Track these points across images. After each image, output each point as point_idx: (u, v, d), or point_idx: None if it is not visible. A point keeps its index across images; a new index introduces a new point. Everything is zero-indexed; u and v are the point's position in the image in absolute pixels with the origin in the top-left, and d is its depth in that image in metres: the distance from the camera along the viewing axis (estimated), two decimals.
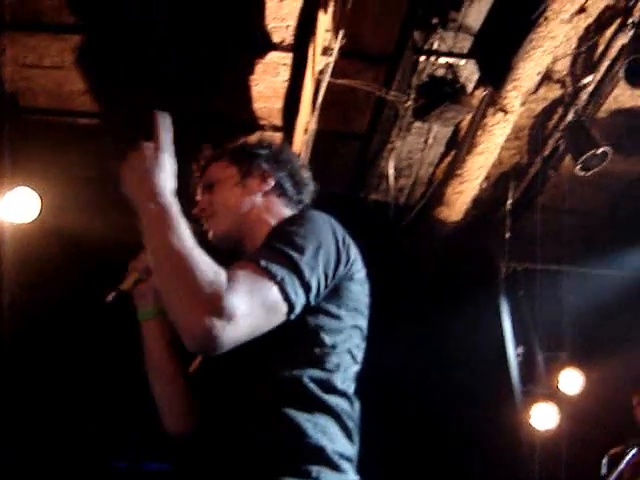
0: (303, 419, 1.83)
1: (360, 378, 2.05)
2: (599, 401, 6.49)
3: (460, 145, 5.44)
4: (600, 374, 6.42)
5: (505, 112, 4.71)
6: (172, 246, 1.71)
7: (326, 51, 4.58)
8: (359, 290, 2.01)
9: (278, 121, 5.55)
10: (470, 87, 4.73)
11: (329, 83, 4.71)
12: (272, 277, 1.75)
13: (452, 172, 5.49)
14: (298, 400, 1.85)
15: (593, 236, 6.92)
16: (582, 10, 4.36)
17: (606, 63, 4.88)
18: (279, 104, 5.38)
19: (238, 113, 5.48)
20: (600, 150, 4.91)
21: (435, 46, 4.43)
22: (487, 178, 5.68)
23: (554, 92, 5.29)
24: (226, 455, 1.88)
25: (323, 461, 1.82)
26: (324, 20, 4.37)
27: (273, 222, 2.15)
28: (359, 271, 2.01)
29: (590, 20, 4.63)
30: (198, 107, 5.33)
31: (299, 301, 1.79)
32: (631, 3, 4.35)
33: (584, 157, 4.95)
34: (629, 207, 6.68)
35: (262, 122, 5.56)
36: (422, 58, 4.49)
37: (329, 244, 1.90)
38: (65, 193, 5.94)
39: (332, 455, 1.83)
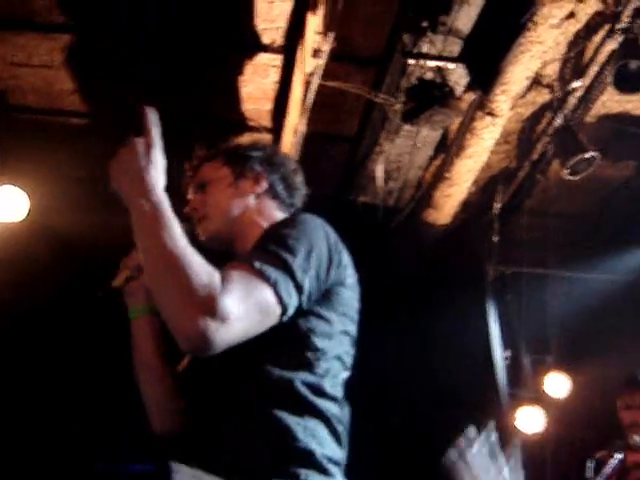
0: (293, 422, 1.83)
1: (347, 380, 2.05)
2: (585, 404, 6.51)
3: (449, 149, 5.45)
4: (586, 377, 6.43)
5: (494, 116, 4.73)
6: (164, 245, 1.70)
7: (316, 53, 4.58)
8: (350, 295, 2.01)
9: (267, 123, 5.55)
10: (459, 91, 4.73)
11: (319, 85, 4.72)
12: (266, 279, 1.75)
13: (441, 175, 5.50)
14: (289, 403, 1.85)
15: (580, 240, 6.95)
16: (571, 15, 4.38)
17: (595, 68, 4.90)
18: (268, 106, 5.38)
19: (227, 114, 5.48)
20: (588, 155, 4.93)
21: (424, 49, 4.43)
22: (475, 182, 5.70)
23: (543, 96, 5.31)
24: (215, 456, 1.88)
25: (312, 465, 1.82)
26: (314, 22, 4.37)
27: (265, 224, 2.15)
28: (350, 276, 2.02)
29: (579, 25, 4.64)
30: (187, 108, 5.32)
31: (292, 303, 1.80)
32: (620, 9, 4.37)
33: (572, 161, 4.97)
34: (616, 212, 6.71)
35: (251, 123, 5.56)
36: (411, 61, 4.49)
37: (322, 248, 1.90)
38: (53, 192, 5.92)
39: (321, 459, 1.84)
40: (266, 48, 4.84)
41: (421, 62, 4.46)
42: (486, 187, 6.35)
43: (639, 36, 4.35)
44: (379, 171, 5.65)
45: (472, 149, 5.06)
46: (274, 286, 1.75)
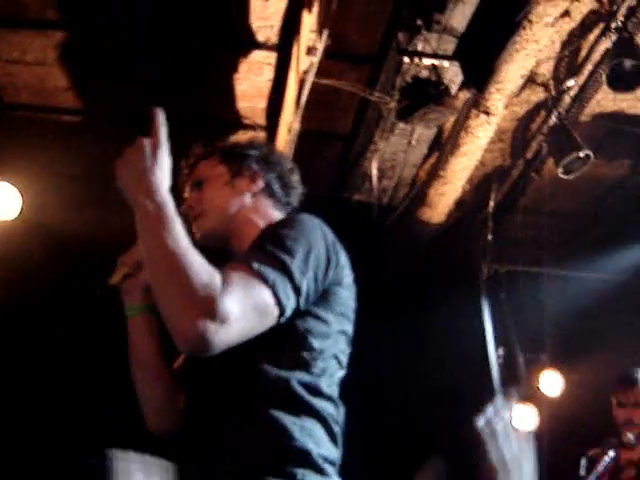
0: (290, 422, 1.84)
1: (342, 379, 2.05)
2: (579, 402, 6.52)
3: (443, 147, 5.45)
4: (580, 376, 6.45)
5: (488, 114, 4.73)
6: (167, 246, 1.71)
7: (310, 51, 4.57)
8: (347, 295, 2.02)
9: (262, 120, 5.54)
10: (454, 89, 4.73)
11: (313, 83, 4.71)
12: (265, 280, 1.76)
13: (435, 173, 5.50)
14: (286, 402, 1.86)
15: (574, 239, 6.96)
16: (566, 14, 4.38)
17: (589, 67, 4.90)
18: (263, 103, 5.38)
19: (222, 112, 5.47)
20: (582, 153, 4.93)
21: (419, 48, 4.43)
22: (470, 180, 5.70)
23: (537, 95, 5.31)
24: (211, 454, 1.89)
25: (308, 464, 1.83)
26: (309, 20, 4.37)
27: (261, 223, 2.16)
28: (347, 276, 2.02)
29: (574, 24, 4.64)
30: (182, 105, 5.31)
31: (290, 305, 1.80)
32: (614, 8, 4.37)
33: (566, 160, 4.97)
34: (610, 211, 6.72)
35: (246, 121, 5.55)
36: (406, 59, 4.49)
37: (320, 248, 1.91)
38: (47, 190, 5.92)
39: (317, 459, 1.85)
40: (261, 46, 4.83)
41: (416, 60, 4.46)
42: (480, 185, 6.35)
43: (634, 35, 4.35)
44: (373, 169, 5.65)
45: (466, 147, 5.05)
46: (272, 287, 1.76)
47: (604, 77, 4.50)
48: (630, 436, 4.30)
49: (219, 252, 2.09)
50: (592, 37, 4.73)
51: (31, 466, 6.54)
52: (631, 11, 4.32)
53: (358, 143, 5.60)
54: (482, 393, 6.71)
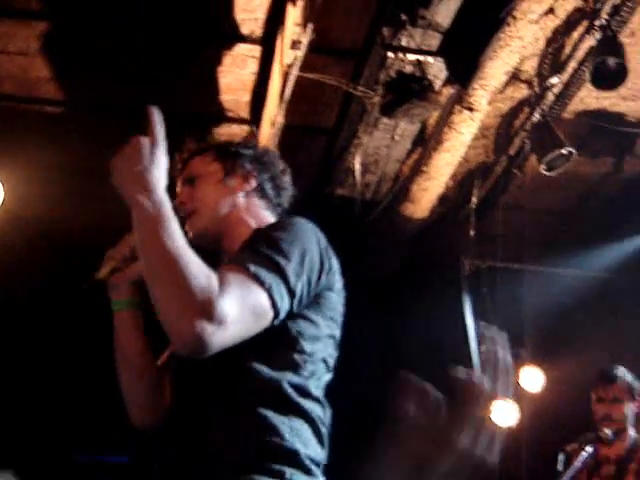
0: (279, 421, 1.86)
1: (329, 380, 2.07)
2: (559, 398, 6.55)
3: (427, 142, 5.46)
4: (560, 372, 6.48)
5: (472, 110, 4.74)
6: (165, 246, 1.71)
7: (295, 45, 4.57)
8: (337, 300, 2.04)
9: (245, 114, 5.53)
10: (438, 85, 4.74)
11: (297, 77, 4.70)
12: (261, 283, 1.77)
13: (418, 169, 5.51)
14: (276, 402, 1.88)
15: (556, 236, 6.99)
16: (550, 11, 4.40)
17: (573, 65, 4.91)
18: (247, 97, 5.36)
19: (205, 105, 5.45)
20: (565, 150, 4.95)
21: (404, 43, 4.43)
22: (453, 176, 5.71)
23: (521, 92, 5.32)
24: (200, 451, 1.89)
25: (296, 464, 1.85)
26: (293, 13, 4.36)
27: (253, 223, 2.16)
28: (338, 281, 2.04)
29: (558, 21, 4.66)
30: (164, 98, 5.29)
31: (284, 307, 1.82)
32: (598, 6, 4.39)
33: (549, 157, 4.99)
34: (592, 208, 6.75)
35: (229, 114, 5.54)
36: (390, 54, 4.50)
37: (314, 253, 1.92)
38: (29, 181, 5.87)
39: (304, 459, 1.87)
40: (245, 39, 4.82)
41: (400, 55, 4.46)
42: (463, 181, 6.37)
43: (617, 33, 4.37)
44: (357, 164, 5.65)
45: (450, 143, 5.06)
46: (268, 290, 1.77)
47: (587, 75, 4.52)
48: (608, 432, 4.32)
49: (209, 252, 2.09)
50: (576, 35, 4.74)
51: (16, 460, 6.53)
52: (615, 9, 4.34)
53: (342, 138, 5.60)
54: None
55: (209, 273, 1.71)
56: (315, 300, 1.95)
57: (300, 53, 4.57)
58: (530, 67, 5.04)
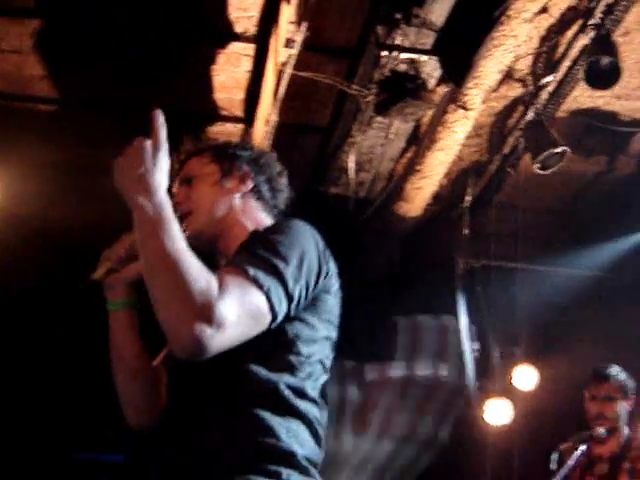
0: (276, 423, 1.86)
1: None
2: (552, 397, 6.57)
3: (421, 141, 5.45)
4: (553, 370, 6.49)
5: (466, 109, 4.74)
6: (166, 249, 1.72)
7: (289, 43, 4.56)
8: (333, 303, 2.04)
9: (239, 112, 5.53)
10: (432, 83, 4.74)
11: (291, 75, 4.70)
12: (260, 287, 1.77)
13: (412, 168, 5.51)
14: (273, 404, 1.88)
15: (549, 235, 7.00)
16: (544, 10, 4.40)
17: (567, 63, 4.92)
18: (241, 95, 5.36)
19: (199, 103, 5.45)
20: (559, 149, 4.96)
21: (398, 41, 4.43)
22: (447, 174, 5.71)
23: (515, 90, 5.33)
24: (197, 452, 1.89)
25: (293, 465, 1.85)
26: (287, 12, 4.35)
27: (249, 225, 2.16)
28: (335, 284, 2.05)
29: (552, 20, 4.66)
30: (159, 96, 5.28)
31: (282, 311, 1.82)
32: (592, 4, 4.39)
33: (543, 156, 5.00)
34: (586, 207, 6.76)
35: (223, 112, 5.54)
36: (384, 53, 4.49)
37: (312, 256, 1.93)
38: (23, 179, 5.87)
39: (301, 460, 1.87)
40: (239, 37, 4.82)
41: (394, 54, 4.46)
42: (457, 180, 6.37)
43: (611, 32, 4.38)
44: (351, 162, 5.65)
45: (444, 142, 5.06)
46: (267, 294, 1.78)
47: (581, 74, 4.53)
48: (601, 430, 4.33)
49: (205, 252, 2.09)
50: (570, 34, 4.75)
51: (15, 458, 6.53)
52: (609, 8, 4.34)
53: (336, 136, 5.60)
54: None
55: (209, 276, 1.72)
56: (312, 302, 1.95)
57: (294, 51, 4.56)
58: (524, 66, 5.05)
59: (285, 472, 1.83)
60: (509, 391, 6.37)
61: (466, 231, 6.32)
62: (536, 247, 6.73)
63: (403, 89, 4.41)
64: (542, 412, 6.64)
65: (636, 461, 4.31)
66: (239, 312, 1.72)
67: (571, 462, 4.29)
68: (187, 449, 1.91)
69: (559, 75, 5.02)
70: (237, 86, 5.26)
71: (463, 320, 6.58)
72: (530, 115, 5.21)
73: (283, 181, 2.32)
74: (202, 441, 1.89)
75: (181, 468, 1.91)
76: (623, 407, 4.45)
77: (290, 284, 1.83)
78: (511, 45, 4.20)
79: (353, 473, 6.72)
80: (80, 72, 5.15)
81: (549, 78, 5.04)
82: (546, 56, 4.96)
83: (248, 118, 5.43)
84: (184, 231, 2.07)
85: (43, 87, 5.32)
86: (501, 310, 6.44)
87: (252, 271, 1.79)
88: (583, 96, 5.34)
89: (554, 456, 4.46)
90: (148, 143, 1.87)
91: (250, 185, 2.24)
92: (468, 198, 6.30)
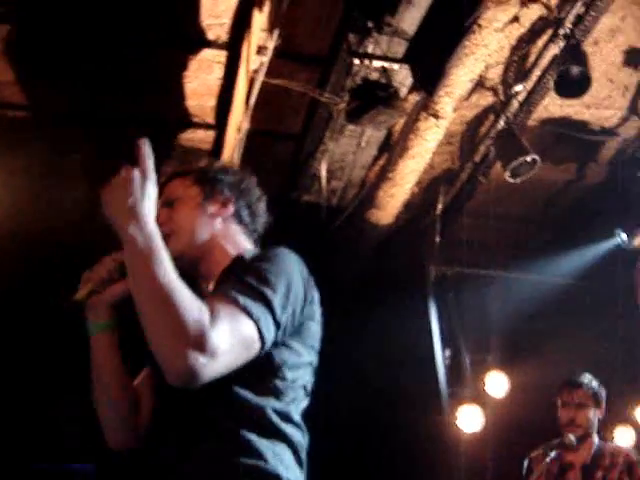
0: (263, 446, 1.89)
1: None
2: (524, 403, 6.59)
3: (392, 149, 5.47)
4: (525, 377, 6.52)
5: (437, 117, 4.76)
6: (157, 279, 1.72)
7: (261, 50, 4.56)
8: (316, 329, 2.08)
9: (211, 119, 5.51)
10: (403, 92, 4.76)
11: (263, 82, 4.70)
12: (250, 315, 1.80)
13: (384, 175, 5.52)
14: (260, 428, 1.91)
15: (520, 242, 7.04)
16: (515, 20, 4.42)
17: (537, 73, 4.96)
18: (212, 102, 5.34)
19: (171, 110, 5.43)
20: (529, 158, 4.99)
21: (370, 49, 4.44)
22: (418, 182, 5.73)
23: (486, 99, 5.36)
24: (183, 472, 1.90)
25: None
26: (259, 19, 4.35)
27: (231, 249, 2.17)
28: (318, 311, 2.09)
29: (523, 30, 4.70)
30: (130, 103, 5.26)
31: (270, 338, 1.85)
32: (562, 15, 4.43)
33: (513, 164, 5.03)
34: (557, 214, 6.81)
35: (195, 120, 5.52)
36: (356, 61, 4.50)
37: (298, 285, 1.96)
38: None
39: None
40: (211, 44, 4.81)
41: (366, 62, 4.47)
42: (429, 188, 6.39)
43: (581, 42, 4.42)
44: (323, 170, 5.65)
45: (415, 150, 5.08)
46: (257, 322, 1.80)
47: (552, 83, 4.56)
48: (572, 437, 4.34)
49: (185, 275, 2.10)
50: (540, 43, 4.79)
51: None
52: (579, 18, 4.38)
53: (308, 144, 5.60)
54: (428, 393, 6.75)
55: (201, 306, 1.73)
56: (297, 329, 1.99)
57: (266, 59, 4.56)
58: (495, 75, 5.08)
59: None
60: (480, 398, 6.39)
61: (438, 238, 6.35)
62: (508, 254, 6.76)
63: (375, 97, 4.42)
64: (513, 419, 6.67)
65: (608, 470, 4.33)
66: (231, 341, 1.74)
67: (541, 469, 4.30)
68: (174, 470, 1.92)
69: (530, 84, 5.06)
70: (209, 93, 5.25)
71: (435, 327, 6.60)
72: (501, 124, 5.24)
73: (262, 206, 2.33)
74: (189, 462, 1.90)
75: None
76: (595, 415, 4.47)
77: (278, 312, 1.86)
78: (482, 54, 4.23)
79: None
80: (49, 79, 5.11)
81: (520, 87, 5.07)
82: (517, 65, 4.99)
83: (220, 125, 5.41)
84: None
85: (13, 93, 5.27)
86: (473, 317, 6.47)
87: (242, 300, 1.81)
88: (553, 105, 5.38)
89: (525, 463, 4.49)
90: (136, 172, 1.86)
91: (231, 210, 2.24)
92: (440, 206, 6.33)
